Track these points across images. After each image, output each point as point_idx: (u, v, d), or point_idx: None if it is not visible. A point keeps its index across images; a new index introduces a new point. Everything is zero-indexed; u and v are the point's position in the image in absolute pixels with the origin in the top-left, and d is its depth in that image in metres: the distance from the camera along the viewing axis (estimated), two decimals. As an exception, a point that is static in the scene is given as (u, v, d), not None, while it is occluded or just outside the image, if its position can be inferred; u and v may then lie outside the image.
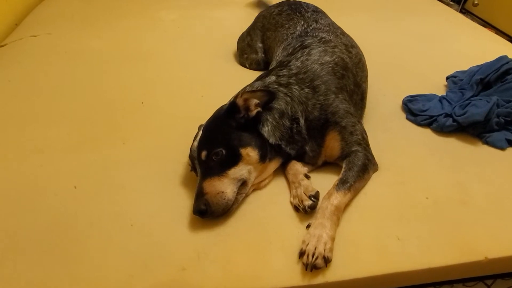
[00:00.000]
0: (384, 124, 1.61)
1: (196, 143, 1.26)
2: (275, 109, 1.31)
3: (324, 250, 1.04)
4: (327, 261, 1.03)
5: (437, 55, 2.15)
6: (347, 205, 1.19)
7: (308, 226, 1.12)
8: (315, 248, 1.04)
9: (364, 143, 1.37)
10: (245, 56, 2.10)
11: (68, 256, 1.07)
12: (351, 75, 1.50)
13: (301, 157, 1.32)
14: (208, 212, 1.11)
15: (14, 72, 1.99)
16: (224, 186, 1.13)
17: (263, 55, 2.03)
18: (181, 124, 1.53)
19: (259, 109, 1.23)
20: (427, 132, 1.56)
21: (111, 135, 1.55)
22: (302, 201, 1.17)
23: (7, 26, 2.58)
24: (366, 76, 1.68)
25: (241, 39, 2.16)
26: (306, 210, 1.16)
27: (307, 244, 1.05)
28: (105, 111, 1.68)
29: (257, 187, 1.26)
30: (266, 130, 1.24)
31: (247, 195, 1.22)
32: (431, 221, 1.18)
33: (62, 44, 2.26)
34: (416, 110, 1.62)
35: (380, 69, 1.86)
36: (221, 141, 1.18)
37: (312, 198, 1.17)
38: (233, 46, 2.22)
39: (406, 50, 2.21)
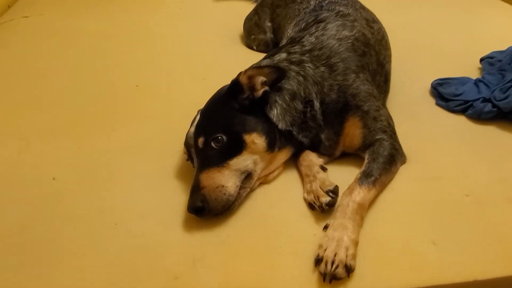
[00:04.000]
0: (410, 111, 1.43)
1: (193, 129, 1.09)
2: (286, 89, 1.14)
3: (346, 256, 0.89)
4: (349, 270, 0.88)
5: (468, 35, 1.97)
6: (372, 202, 1.04)
7: (325, 228, 0.97)
8: (335, 255, 0.89)
9: (390, 130, 1.18)
10: (252, 37, 1.93)
11: (39, 259, 0.94)
12: (373, 52, 1.32)
13: (315, 147, 1.17)
14: (206, 210, 0.97)
15: (2, 54, 1.88)
16: (224, 179, 0.99)
17: (272, 35, 1.87)
18: (179, 110, 1.38)
19: (266, 88, 1.08)
20: (461, 120, 1.38)
21: (100, 120, 1.41)
22: (318, 198, 1.02)
23: (0, 7, 2.46)
24: (390, 56, 1.49)
25: (248, 19, 2.00)
26: (323, 208, 1.01)
27: (325, 250, 0.90)
28: (96, 95, 1.55)
29: (264, 180, 1.11)
30: (274, 113, 1.09)
31: (252, 190, 1.08)
32: (473, 223, 1.02)
33: (54, 25, 2.16)
34: (448, 95, 1.43)
35: (404, 49, 1.69)
36: (222, 125, 1.04)
37: (330, 194, 1.01)
38: (239, 27, 2.06)
39: (433, 29, 2.03)
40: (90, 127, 1.38)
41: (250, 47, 1.95)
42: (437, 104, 1.44)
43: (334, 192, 1.03)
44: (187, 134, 1.11)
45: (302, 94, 1.13)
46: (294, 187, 1.11)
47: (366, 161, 1.12)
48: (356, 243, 0.93)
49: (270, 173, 1.11)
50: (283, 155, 1.13)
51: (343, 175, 1.13)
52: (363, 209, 1.00)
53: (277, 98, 1.11)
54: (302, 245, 0.95)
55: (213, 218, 1.01)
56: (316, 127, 1.16)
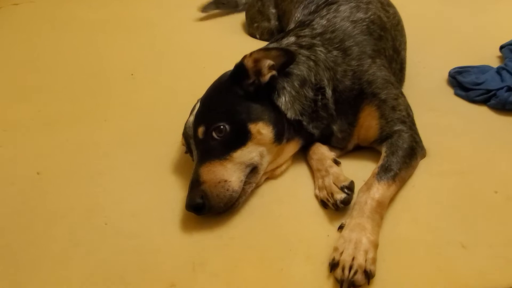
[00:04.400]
0: (427, 101, 1.34)
1: (192, 118, 1.00)
2: (295, 75, 1.05)
3: (365, 261, 0.81)
4: (369, 276, 0.80)
5: (485, 22, 1.86)
6: (391, 200, 0.96)
7: (341, 228, 0.90)
8: (353, 259, 0.81)
9: (409, 121, 1.09)
10: (256, 24, 1.83)
11: (20, 262, 0.87)
12: (389, 37, 1.23)
13: (326, 139, 1.10)
14: (206, 207, 0.90)
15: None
16: (227, 173, 0.92)
17: (276, 23, 1.76)
18: (177, 99, 1.33)
19: (273, 72, 1.00)
20: (483, 110, 1.29)
21: (92, 111, 1.34)
22: (332, 194, 0.94)
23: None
24: (405, 43, 1.40)
25: (251, 6, 1.89)
26: (337, 206, 0.93)
27: (342, 253, 0.83)
28: (88, 84, 1.49)
29: (271, 175, 1.04)
30: (282, 101, 1.02)
31: (258, 186, 1.01)
32: (506, 222, 0.93)
33: (45, 12, 2.10)
34: (469, 84, 1.33)
35: (418, 38, 1.58)
36: (224, 113, 0.96)
37: (346, 190, 0.94)
38: (241, 16, 1.98)
39: (448, 16, 1.94)
40: (81, 118, 1.31)
41: (253, 35, 1.86)
42: (456, 94, 1.36)
43: (350, 188, 0.95)
44: (185, 124, 1.02)
45: (313, 80, 1.05)
46: (304, 183, 1.04)
47: (384, 154, 1.03)
48: (376, 246, 0.85)
49: (277, 167, 1.04)
50: (292, 147, 1.06)
51: (356, 170, 1.04)
52: (383, 207, 0.92)
53: (286, 85, 1.03)
54: (315, 247, 0.88)
55: (214, 217, 0.94)
56: (327, 117, 1.07)
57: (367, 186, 0.94)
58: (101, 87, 1.45)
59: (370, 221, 0.87)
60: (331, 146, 1.10)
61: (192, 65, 1.57)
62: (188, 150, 1.02)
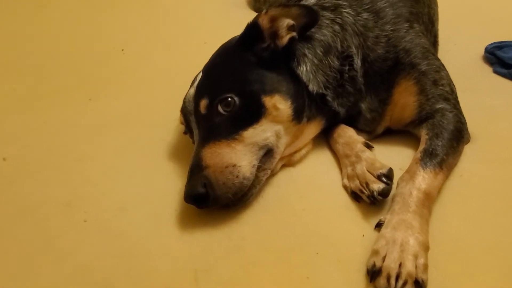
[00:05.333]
0: (463, 80, 1.19)
1: (193, 90, 0.85)
2: (317, 41, 0.91)
3: (416, 268, 0.67)
4: (420, 287, 0.66)
5: None
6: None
7: (379, 225, 0.76)
8: (400, 265, 0.67)
9: (453, 98, 0.95)
10: None
11: None
12: (426, 1, 1.09)
13: (352, 121, 0.95)
14: (210, 198, 0.76)
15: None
16: (236, 156, 0.78)
17: (287, -4, 1.57)
18: (174, 78, 1.19)
19: (293, 34, 0.85)
20: None
21: (74, 89, 1.20)
22: (366, 184, 0.79)
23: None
24: (438, 15, 1.25)
25: (257, -23, 1.73)
26: (374, 198, 0.79)
27: (384, 258, 0.69)
28: (72, 60, 1.35)
29: (288, 161, 0.90)
30: (303, 70, 0.88)
31: (273, 174, 0.87)
32: None
33: None
34: (511, 60, 1.15)
35: (447, 13, 1.43)
36: (233, 83, 0.83)
37: (383, 179, 0.79)
38: None
39: None
40: (61, 97, 1.17)
41: (259, 11, 1.66)
42: (496, 71, 1.23)
43: (388, 176, 0.80)
44: (185, 98, 0.88)
45: (339, 47, 0.91)
46: (328, 171, 0.91)
47: (426, 137, 0.88)
48: (426, 248, 0.71)
49: (296, 152, 0.91)
50: (313, 128, 0.92)
51: (389, 157, 0.88)
52: (431, 200, 0.77)
53: (307, 51, 0.89)
54: (348, 250, 0.74)
55: (221, 211, 0.80)
56: (355, 93, 0.93)
57: (410, 174, 0.80)
58: (86, 63, 1.32)
59: (417, 217, 0.73)
60: (357, 129, 0.95)
61: (192, 40, 1.45)
62: (188, 130, 0.88)
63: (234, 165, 0.76)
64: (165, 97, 1.09)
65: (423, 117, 0.92)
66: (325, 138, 0.97)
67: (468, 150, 0.94)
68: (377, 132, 0.98)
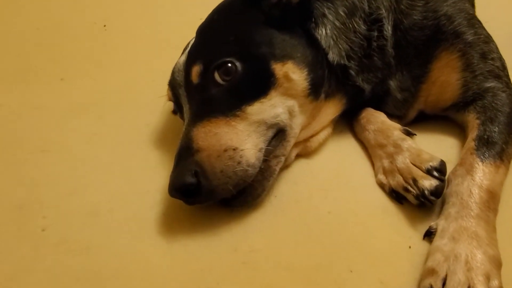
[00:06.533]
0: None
1: (184, 57, 0.69)
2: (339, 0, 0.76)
3: None
4: None
5: None
6: None
7: (428, 234, 0.61)
8: None
9: (505, 75, 0.80)
10: None
11: None
12: None
13: (378, 102, 0.80)
14: (203, 191, 0.60)
15: None
16: (238, 137, 0.63)
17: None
18: (162, 55, 1.04)
19: None
20: None
21: (45, 68, 1.05)
22: (414, 181, 0.63)
23: None
24: None
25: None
26: (425, 198, 0.63)
27: (444, 279, 0.53)
28: (45, 36, 1.19)
29: (304, 148, 0.75)
30: (322, 33, 0.73)
31: (287, 165, 0.72)
32: None
33: None
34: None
35: None
36: (234, 44, 0.68)
37: (435, 173, 0.64)
38: None
39: None
40: (26, 76, 1.02)
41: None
42: None
43: (441, 171, 0.64)
44: (174, 68, 0.73)
45: (366, 8, 0.76)
46: (357, 164, 0.75)
47: (477, 121, 0.73)
48: (499, 265, 0.56)
49: (312, 136, 0.76)
50: (332, 107, 0.76)
51: (428, 147, 0.72)
52: (496, 201, 0.62)
53: (327, 11, 0.73)
54: (391, 267, 0.58)
55: (222, 214, 0.65)
56: (383, 67, 0.77)
57: (465, 168, 0.65)
58: (61, 38, 1.16)
59: (482, 223, 0.58)
60: (384, 113, 0.79)
61: (185, 17, 1.29)
62: (177, 108, 0.73)
63: (235, 149, 0.61)
64: (150, 77, 0.94)
65: (469, 99, 0.77)
66: (347, 125, 0.80)
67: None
68: (408, 117, 0.82)
